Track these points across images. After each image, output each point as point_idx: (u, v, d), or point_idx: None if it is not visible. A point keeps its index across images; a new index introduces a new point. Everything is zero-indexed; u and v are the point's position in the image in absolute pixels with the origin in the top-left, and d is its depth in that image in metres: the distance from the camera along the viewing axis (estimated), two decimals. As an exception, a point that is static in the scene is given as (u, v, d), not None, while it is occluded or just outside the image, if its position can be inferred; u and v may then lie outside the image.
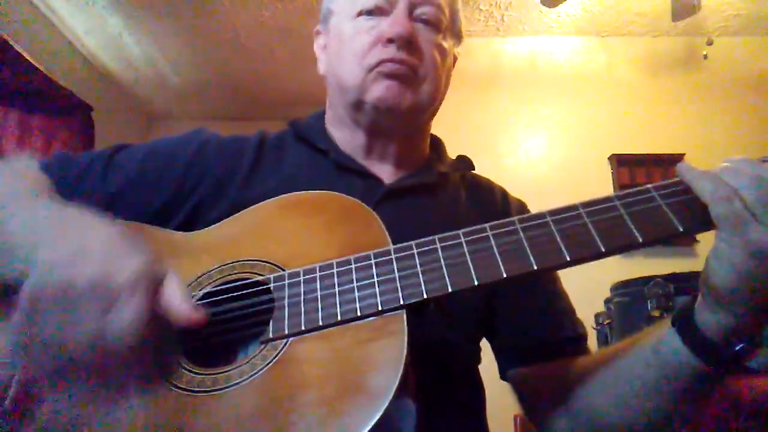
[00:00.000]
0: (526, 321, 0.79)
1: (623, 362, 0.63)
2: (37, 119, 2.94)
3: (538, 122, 3.08)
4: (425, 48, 0.79)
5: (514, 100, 3.11)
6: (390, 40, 0.76)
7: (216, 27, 3.16)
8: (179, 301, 0.51)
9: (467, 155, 0.92)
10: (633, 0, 2.92)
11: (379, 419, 0.45)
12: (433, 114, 0.87)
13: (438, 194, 0.83)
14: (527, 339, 0.78)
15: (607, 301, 1.92)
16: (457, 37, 0.88)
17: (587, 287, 1.73)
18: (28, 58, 2.72)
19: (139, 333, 0.47)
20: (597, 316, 1.96)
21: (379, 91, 0.76)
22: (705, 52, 2.81)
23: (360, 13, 0.79)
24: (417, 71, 0.78)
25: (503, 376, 0.81)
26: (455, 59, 0.89)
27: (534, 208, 0.58)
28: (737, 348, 0.52)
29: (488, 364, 0.83)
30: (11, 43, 2.61)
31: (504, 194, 0.91)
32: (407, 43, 0.76)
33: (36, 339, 0.47)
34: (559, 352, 0.76)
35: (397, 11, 0.78)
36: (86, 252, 0.50)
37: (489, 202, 0.87)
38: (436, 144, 0.93)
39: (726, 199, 0.48)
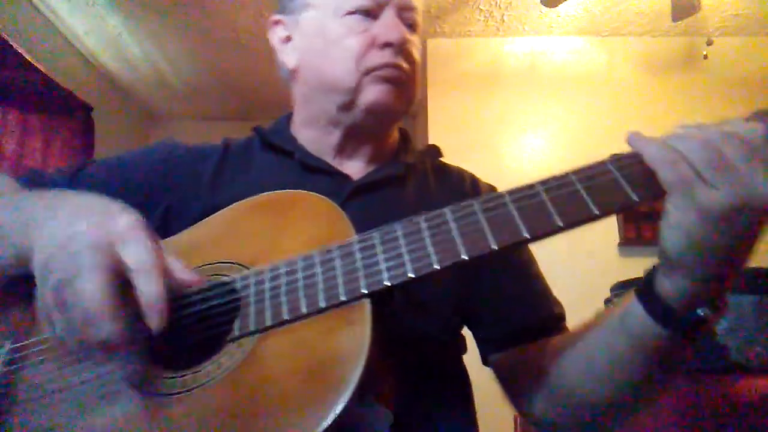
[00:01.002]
0: (508, 307, 0.79)
1: (593, 334, 0.63)
2: (37, 119, 2.93)
3: (538, 122, 3.07)
4: (413, 52, 0.80)
5: (514, 100, 3.11)
6: (387, 44, 0.76)
7: (216, 27, 3.16)
8: (180, 267, 0.55)
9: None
10: (633, 0, 2.92)
11: (342, 411, 0.44)
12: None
13: (407, 185, 0.83)
14: (509, 324, 0.78)
15: (607, 301, 1.92)
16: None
17: (587, 287, 1.73)
18: (28, 58, 2.71)
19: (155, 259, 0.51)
20: (597, 316, 1.95)
21: (374, 94, 0.76)
22: (705, 52, 2.81)
23: (348, 13, 0.78)
24: (410, 76, 0.79)
25: (485, 362, 0.81)
26: None
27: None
28: (698, 313, 0.52)
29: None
30: (11, 43, 2.61)
31: (474, 180, 0.90)
32: (402, 48, 0.77)
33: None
34: (537, 333, 0.76)
35: (388, 15, 0.77)
36: (79, 217, 0.54)
37: (458, 189, 0.87)
38: (404, 136, 0.93)
39: (672, 163, 0.48)
